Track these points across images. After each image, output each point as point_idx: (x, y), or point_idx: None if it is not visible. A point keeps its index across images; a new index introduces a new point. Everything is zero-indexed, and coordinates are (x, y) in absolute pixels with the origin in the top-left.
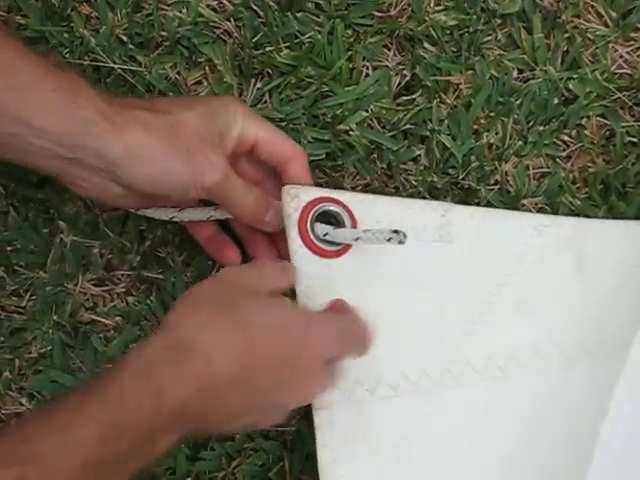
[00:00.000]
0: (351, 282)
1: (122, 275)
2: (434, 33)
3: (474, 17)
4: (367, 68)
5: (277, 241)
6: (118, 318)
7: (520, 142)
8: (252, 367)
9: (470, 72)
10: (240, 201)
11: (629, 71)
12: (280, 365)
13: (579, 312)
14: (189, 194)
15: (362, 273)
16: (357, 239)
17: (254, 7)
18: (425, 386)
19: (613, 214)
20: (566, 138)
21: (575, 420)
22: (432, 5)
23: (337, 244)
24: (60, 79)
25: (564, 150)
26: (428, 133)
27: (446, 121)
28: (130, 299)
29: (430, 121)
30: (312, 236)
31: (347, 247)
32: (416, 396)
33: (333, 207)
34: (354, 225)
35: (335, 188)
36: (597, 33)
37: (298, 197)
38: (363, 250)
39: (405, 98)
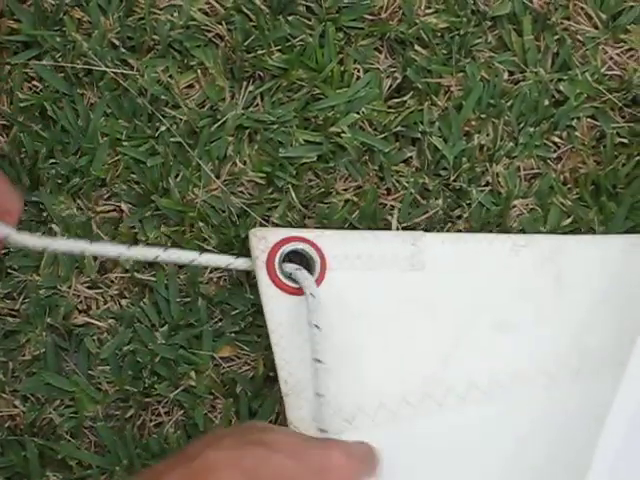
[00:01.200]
0: (324, 316)
1: (115, 278)
2: (425, 36)
3: (464, 19)
4: (358, 71)
5: None
6: (111, 320)
7: (511, 143)
8: None
9: (461, 74)
10: None
11: (619, 72)
12: None
13: (560, 330)
14: None
15: (334, 307)
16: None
17: (245, 11)
18: (405, 414)
19: (604, 215)
20: (557, 139)
21: (563, 438)
22: (423, 8)
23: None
24: None
25: (555, 151)
26: (419, 135)
27: (437, 123)
28: (123, 302)
29: (421, 123)
30: (281, 276)
31: (318, 282)
32: (396, 424)
33: (301, 246)
34: (323, 262)
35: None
36: (587, 35)
37: (265, 239)
38: (334, 285)
39: (396, 100)
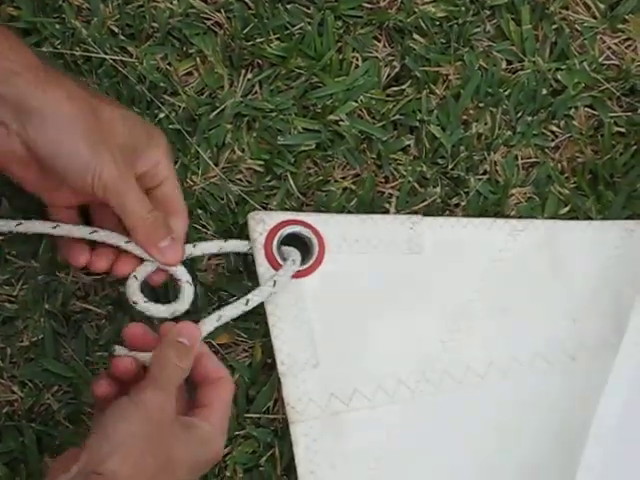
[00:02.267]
0: (321, 299)
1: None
2: (423, 24)
3: (463, 9)
4: (357, 59)
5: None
6: (109, 307)
7: (509, 132)
8: None
9: (459, 63)
10: (134, 210)
11: (617, 62)
12: None
13: (557, 315)
14: (86, 178)
15: (332, 289)
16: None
17: None
18: (402, 396)
19: (601, 203)
20: (554, 128)
21: (560, 423)
22: None
23: (305, 263)
24: None
25: (552, 140)
26: (417, 123)
27: (435, 111)
28: (121, 288)
29: (419, 111)
30: (279, 258)
31: (316, 265)
32: (393, 406)
33: (300, 229)
34: (321, 244)
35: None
36: (585, 24)
37: (263, 221)
38: (332, 267)
39: (395, 89)
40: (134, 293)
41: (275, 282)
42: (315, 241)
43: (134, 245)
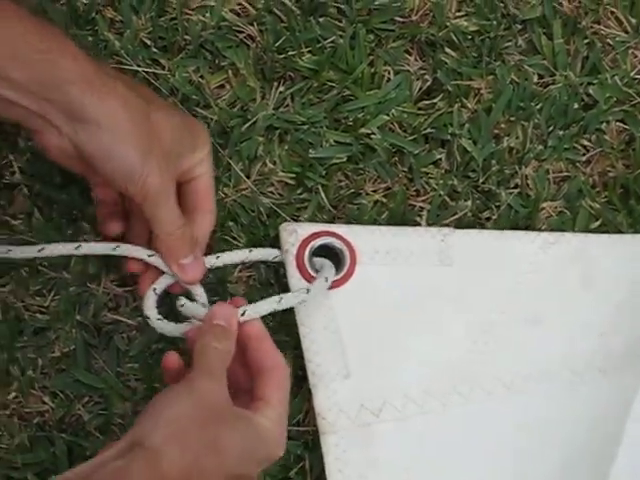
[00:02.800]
0: (352, 311)
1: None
2: (455, 38)
3: (495, 23)
4: (389, 72)
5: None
6: (140, 318)
7: (540, 146)
8: None
9: (491, 77)
10: (165, 222)
11: None
12: None
13: (587, 328)
14: (129, 184)
15: (363, 301)
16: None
17: (277, 12)
18: (432, 407)
19: (633, 218)
20: (586, 143)
21: (587, 436)
22: (453, 11)
23: (336, 275)
24: (43, 35)
25: (584, 154)
26: (449, 137)
27: (467, 125)
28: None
29: (451, 125)
30: (310, 269)
31: (347, 277)
32: (423, 417)
33: (332, 240)
34: (352, 256)
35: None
36: (617, 39)
37: (295, 232)
38: (363, 279)
39: (426, 102)
40: (149, 308)
41: (309, 290)
42: (347, 253)
43: (157, 258)
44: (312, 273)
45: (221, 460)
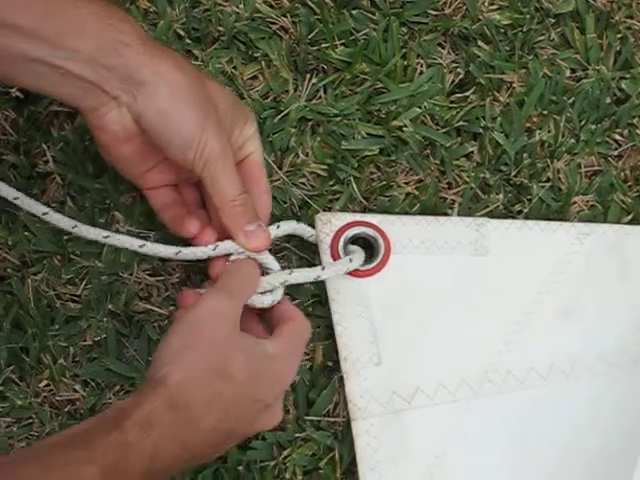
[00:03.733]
0: (386, 298)
1: (177, 265)
2: (488, 32)
3: (528, 16)
4: (421, 65)
5: None
6: (172, 307)
7: (572, 140)
8: (231, 418)
9: (523, 71)
10: (226, 190)
11: None
12: (252, 407)
13: (622, 319)
14: (188, 152)
15: (397, 289)
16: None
17: (310, 4)
18: (464, 395)
19: None
20: (618, 137)
21: (620, 427)
22: (486, 4)
23: (371, 263)
24: (98, 4)
25: (616, 149)
26: (481, 130)
27: (499, 119)
28: (184, 288)
29: (483, 118)
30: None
31: (381, 266)
32: (455, 404)
33: (366, 230)
34: (387, 245)
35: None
36: None
37: (330, 222)
38: (397, 267)
39: (458, 95)
40: None
41: (324, 267)
42: (381, 242)
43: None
44: None
45: (232, 384)
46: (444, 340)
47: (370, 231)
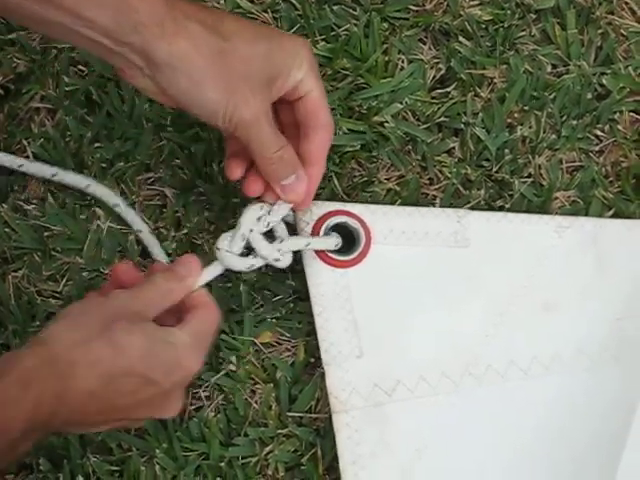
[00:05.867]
0: (367, 290)
1: (157, 262)
2: (469, 27)
3: (509, 12)
4: (402, 61)
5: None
6: None
7: (553, 136)
8: (116, 389)
9: (504, 66)
10: (262, 149)
11: None
12: (144, 389)
13: (602, 313)
14: (217, 121)
15: (377, 280)
16: (308, 245)
17: None
18: (445, 388)
19: None
20: (599, 132)
21: (600, 422)
22: (467, 0)
23: (351, 254)
24: None
25: (597, 144)
26: (462, 126)
27: (480, 114)
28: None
29: (464, 114)
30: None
31: (362, 256)
32: (436, 397)
33: (347, 219)
34: (367, 235)
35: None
36: (631, 29)
37: (310, 211)
38: (378, 258)
39: (440, 91)
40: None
41: (310, 243)
42: (362, 232)
43: None
44: (327, 252)
45: (120, 355)
46: (425, 332)
47: (351, 221)
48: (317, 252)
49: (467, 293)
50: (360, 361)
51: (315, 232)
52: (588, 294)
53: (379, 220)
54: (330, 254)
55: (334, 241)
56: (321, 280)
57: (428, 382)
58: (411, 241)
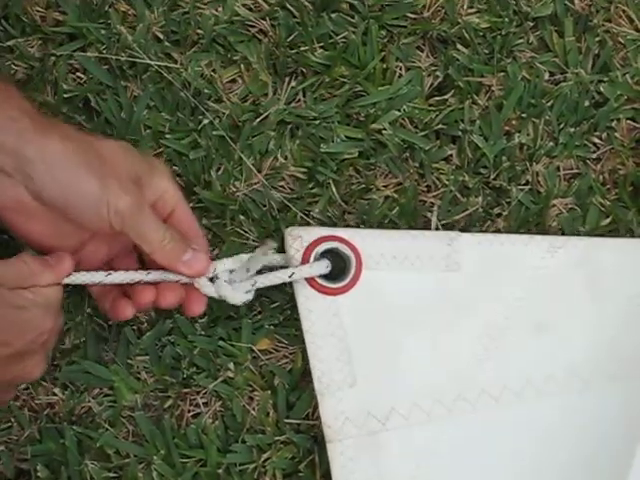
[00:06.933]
0: (359, 317)
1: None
2: (467, 35)
3: (506, 20)
4: (400, 68)
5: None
6: (151, 311)
7: (551, 143)
8: None
9: (502, 74)
10: (153, 237)
11: None
12: (6, 361)
13: (594, 333)
14: (102, 215)
15: (369, 307)
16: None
17: (289, 7)
18: (439, 414)
19: None
20: (596, 140)
21: (595, 444)
22: (465, 7)
23: (342, 280)
24: None
25: (594, 152)
26: (460, 133)
27: (478, 122)
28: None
29: (462, 121)
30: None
31: (353, 282)
32: (430, 424)
33: (336, 245)
34: (358, 261)
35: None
36: (628, 37)
37: (300, 238)
38: (369, 284)
39: (437, 98)
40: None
41: (293, 273)
42: (353, 258)
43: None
44: (317, 279)
45: None
46: (418, 358)
47: (341, 247)
48: (307, 279)
49: (459, 317)
50: (353, 390)
51: (305, 259)
52: (581, 314)
53: (370, 245)
54: (321, 281)
55: (319, 268)
56: (312, 307)
57: (422, 408)
58: (403, 266)
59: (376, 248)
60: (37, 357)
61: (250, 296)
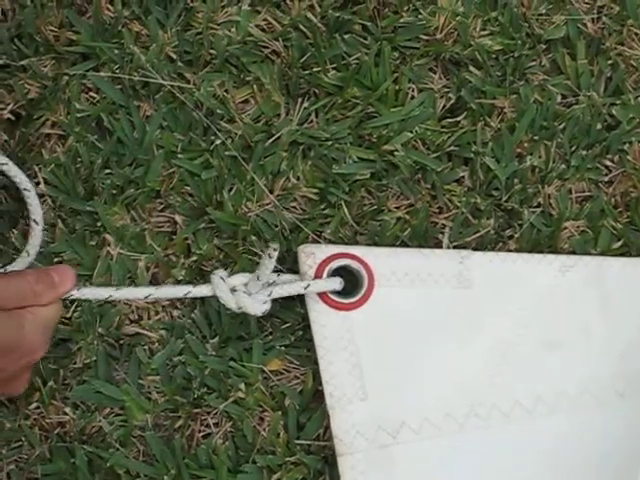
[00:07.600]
0: (370, 332)
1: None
2: (479, 57)
3: (519, 42)
4: (413, 90)
5: None
6: (162, 331)
7: (563, 166)
8: None
9: (514, 96)
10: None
11: None
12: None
13: (606, 351)
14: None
15: (381, 323)
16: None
17: (302, 28)
18: (450, 429)
19: None
20: (608, 163)
21: (608, 460)
22: (478, 29)
23: (354, 296)
24: None
25: (606, 175)
26: (472, 155)
27: (490, 144)
28: (175, 312)
29: (474, 143)
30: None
31: (365, 298)
32: (441, 439)
33: (349, 262)
34: (370, 278)
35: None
36: None
37: (314, 254)
38: (381, 300)
39: (450, 120)
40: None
41: (309, 285)
42: (364, 274)
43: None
44: (330, 294)
45: None
46: (429, 373)
47: (354, 263)
48: (320, 295)
49: (471, 334)
50: (364, 404)
51: (318, 275)
52: (592, 332)
53: (382, 262)
54: (333, 297)
55: (334, 283)
56: (325, 323)
57: (433, 423)
58: (414, 283)
59: (388, 266)
60: (25, 376)
61: (268, 306)
